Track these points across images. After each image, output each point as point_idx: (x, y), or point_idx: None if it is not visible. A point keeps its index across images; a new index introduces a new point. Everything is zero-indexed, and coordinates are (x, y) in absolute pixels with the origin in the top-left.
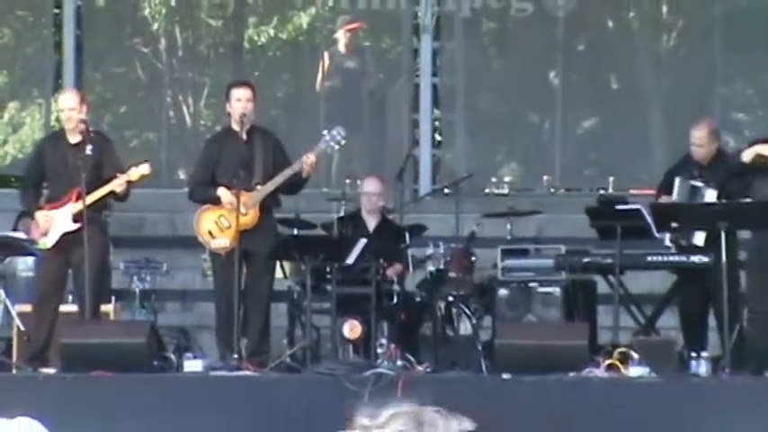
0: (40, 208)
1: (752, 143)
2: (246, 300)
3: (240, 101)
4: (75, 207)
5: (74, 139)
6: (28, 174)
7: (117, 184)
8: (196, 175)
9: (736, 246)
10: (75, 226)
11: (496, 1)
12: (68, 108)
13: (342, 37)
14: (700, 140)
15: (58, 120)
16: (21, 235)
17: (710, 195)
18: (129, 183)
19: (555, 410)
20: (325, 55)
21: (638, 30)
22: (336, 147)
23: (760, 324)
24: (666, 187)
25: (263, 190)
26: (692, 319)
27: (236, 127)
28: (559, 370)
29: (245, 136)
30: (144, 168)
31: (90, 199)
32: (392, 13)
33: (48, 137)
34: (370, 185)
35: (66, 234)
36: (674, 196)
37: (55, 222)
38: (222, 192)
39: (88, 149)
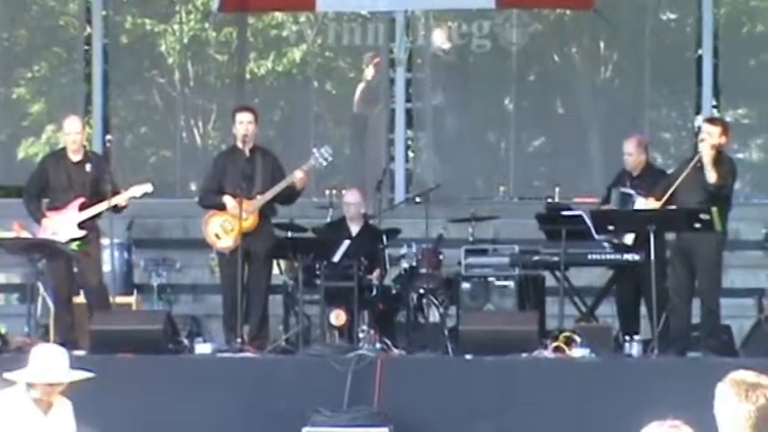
0: (43, 215)
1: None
2: (248, 292)
3: (243, 123)
4: (80, 216)
5: (75, 157)
6: (33, 185)
7: (122, 199)
8: (205, 185)
9: (664, 246)
10: (83, 233)
11: (460, 38)
12: (75, 132)
13: (369, 70)
14: (628, 150)
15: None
16: (57, 237)
17: (640, 202)
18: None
19: (510, 386)
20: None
21: (580, 63)
22: (324, 163)
23: (680, 314)
24: (607, 201)
25: (261, 199)
26: (626, 308)
27: (239, 145)
28: (514, 351)
29: (247, 153)
30: (146, 187)
31: (97, 209)
32: (371, 49)
33: (51, 154)
34: (350, 196)
35: (72, 239)
36: (611, 204)
37: (61, 229)
38: (227, 199)
39: (87, 167)
